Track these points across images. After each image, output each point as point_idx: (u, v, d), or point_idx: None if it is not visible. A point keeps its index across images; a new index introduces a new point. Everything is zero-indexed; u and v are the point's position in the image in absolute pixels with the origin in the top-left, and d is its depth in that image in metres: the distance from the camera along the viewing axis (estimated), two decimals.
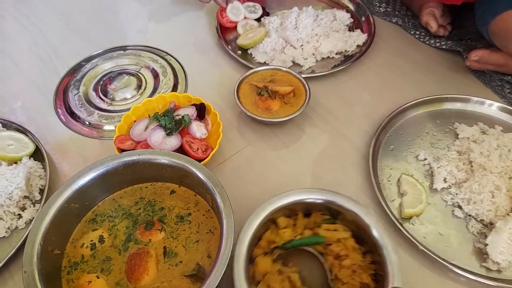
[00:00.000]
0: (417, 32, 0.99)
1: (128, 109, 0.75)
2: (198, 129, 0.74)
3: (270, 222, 0.59)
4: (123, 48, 0.96)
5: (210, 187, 0.56)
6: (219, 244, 0.51)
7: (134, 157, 0.60)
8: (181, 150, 0.69)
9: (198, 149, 0.70)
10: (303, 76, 0.85)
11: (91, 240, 0.56)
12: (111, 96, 0.85)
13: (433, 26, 0.94)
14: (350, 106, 0.85)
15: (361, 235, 0.58)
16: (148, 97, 0.85)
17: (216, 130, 0.74)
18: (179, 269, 0.54)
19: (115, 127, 0.72)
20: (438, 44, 0.95)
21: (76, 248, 0.56)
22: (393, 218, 0.65)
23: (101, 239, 0.56)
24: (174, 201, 0.62)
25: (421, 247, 0.62)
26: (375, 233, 0.56)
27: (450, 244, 0.65)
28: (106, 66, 0.91)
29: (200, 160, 0.68)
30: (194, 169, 0.58)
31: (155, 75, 0.89)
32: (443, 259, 0.61)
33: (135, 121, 0.74)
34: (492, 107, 0.81)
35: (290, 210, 0.60)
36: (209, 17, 1.07)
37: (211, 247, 0.56)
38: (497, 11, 0.74)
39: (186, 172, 0.60)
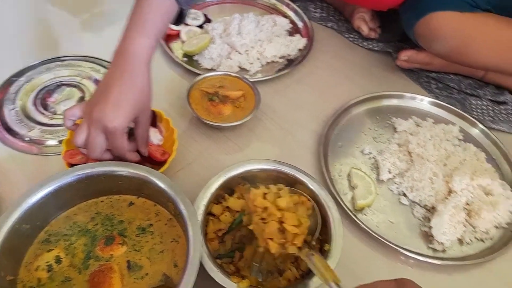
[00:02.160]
0: (351, 36, 1.06)
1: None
2: (154, 135, 0.72)
3: (208, 215, 0.61)
4: (60, 59, 0.90)
5: (172, 196, 0.55)
6: (186, 252, 0.50)
7: (88, 171, 0.57)
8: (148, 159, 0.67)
9: (156, 151, 0.69)
10: (252, 80, 0.87)
11: (47, 262, 0.52)
12: (52, 110, 0.80)
13: (364, 29, 1.01)
14: (297, 107, 0.89)
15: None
16: None
17: (170, 137, 0.73)
18: (146, 282, 0.53)
19: (60, 141, 0.68)
20: (370, 46, 1.03)
21: (30, 271, 0.52)
22: (348, 210, 0.69)
23: (58, 260, 0.53)
24: (134, 213, 0.60)
25: (375, 235, 0.67)
26: (309, 185, 0.62)
27: (400, 230, 0.70)
28: (44, 78, 0.85)
29: (159, 164, 0.67)
30: (153, 178, 0.57)
31: None
32: (395, 245, 0.66)
33: None
34: (423, 101, 0.89)
35: (216, 196, 0.62)
36: None
37: (177, 256, 0.55)
38: (420, 14, 0.82)
39: (145, 182, 0.58)
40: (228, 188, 0.65)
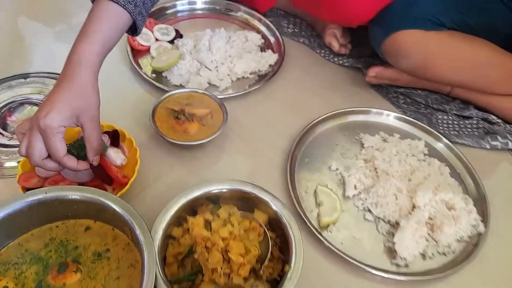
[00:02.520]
0: (322, 51, 1.07)
1: None
2: (116, 155, 0.71)
3: (168, 238, 0.60)
4: (24, 76, 0.89)
5: (128, 220, 0.54)
6: (140, 279, 0.49)
7: (40, 196, 0.55)
8: (101, 172, 0.66)
9: (117, 173, 0.68)
10: (220, 97, 0.87)
11: None
12: (12, 130, 0.78)
13: (335, 45, 1.02)
14: (266, 124, 0.89)
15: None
16: None
17: (133, 156, 0.72)
18: None
19: (18, 163, 0.66)
20: (341, 62, 1.04)
21: None
22: (312, 228, 0.69)
23: None
24: (90, 238, 0.58)
25: (339, 253, 0.67)
26: (272, 205, 0.61)
27: (364, 246, 0.70)
28: (4, 97, 0.83)
29: (120, 185, 0.65)
30: (109, 203, 0.56)
31: None
32: (359, 262, 0.66)
33: None
34: (389, 117, 0.90)
35: (178, 218, 0.61)
36: (121, 39, 1.03)
37: (134, 282, 0.54)
38: (387, 32, 0.84)
39: (101, 207, 0.57)
40: (191, 209, 0.64)
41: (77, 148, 0.67)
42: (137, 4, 0.65)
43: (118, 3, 0.62)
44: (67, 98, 0.57)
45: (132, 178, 0.67)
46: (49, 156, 0.58)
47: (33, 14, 1.09)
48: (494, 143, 0.87)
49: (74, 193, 0.56)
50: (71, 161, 0.59)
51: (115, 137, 0.73)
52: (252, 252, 0.50)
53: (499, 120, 0.91)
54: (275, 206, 0.62)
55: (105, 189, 0.67)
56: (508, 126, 0.90)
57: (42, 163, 0.57)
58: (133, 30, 0.69)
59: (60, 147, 0.57)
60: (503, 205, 0.78)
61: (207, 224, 0.55)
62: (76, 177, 0.66)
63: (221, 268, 0.49)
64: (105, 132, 0.73)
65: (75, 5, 1.12)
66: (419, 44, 0.82)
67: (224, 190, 0.63)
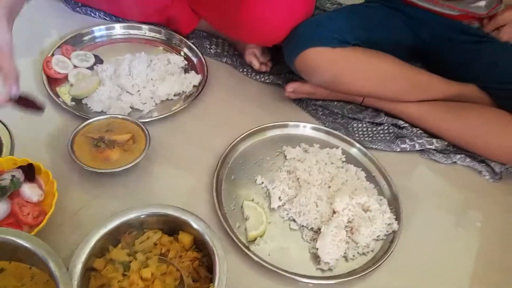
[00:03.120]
0: (245, 70, 1.11)
1: None
2: (32, 191, 0.69)
3: (89, 271, 0.59)
4: None
5: (42, 257, 0.53)
6: None
7: None
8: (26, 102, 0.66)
9: (29, 213, 0.65)
10: (144, 120, 0.87)
11: None
12: None
13: (256, 64, 1.06)
14: (193, 144, 0.90)
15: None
16: None
17: (51, 190, 0.69)
18: None
19: None
20: (263, 79, 1.08)
21: None
22: (239, 243, 0.71)
23: None
24: (4, 281, 0.56)
25: (266, 265, 0.69)
26: (195, 226, 0.63)
27: (291, 255, 0.74)
28: None
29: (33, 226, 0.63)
30: (21, 242, 0.54)
31: None
32: (287, 271, 0.69)
33: None
34: (306, 128, 0.96)
35: (100, 249, 0.61)
36: (35, 67, 1.00)
37: None
38: (297, 51, 0.89)
39: (14, 246, 0.54)
40: (113, 238, 0.63)
41: None
42: None
43: None
44: None
45: (49, 214, 0.65)
46: None
47: None
48: (403, 145, 0.95)
49: None
50: None
51: (30, 172, 0.70)
52: None
53: (406, 124, 1.00)
54: (198, 226, 0.63)
55: (20, 227, 0.64)
56: (415, 129, 0.99)
57: None
58: None
59: None
60: (413, 202, 0.86)
61: (125, 266, 0.56)
62: None
63: None
64: (19, 167, 0.70)
65: None
66: (327, 60, 0.88)
67: (144, 216, 0.63)
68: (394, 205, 0.83)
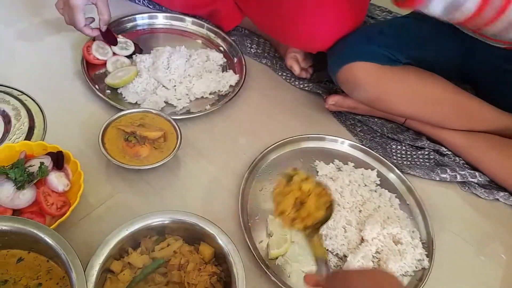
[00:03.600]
0: (284, 74, 1.07)
1: None
2: (59, 180, 0.68)
3: (105, 272, 0.58)
4: None
5: (62, 255, 0.51)
6: None
7: None
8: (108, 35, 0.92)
9: (53, 204, 0.64)
10: (177, 117, 0.85)
11: None
12: None
13: (296, 69, 1.02)
14: (222, 147, 0.88)
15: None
16: None
17: (77, 180, 0.68)
18: None
19: None
20: (301, 86, 1.04)
21: None
22: (259, 260, 0.68)
23: None
24: (21, 271, 0.55)
25: None
26: (218, 240, 0.61)
27: None
28: None
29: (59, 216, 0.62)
30: (43, 236, 0.53)
31: (7, 120, 0.79)
32: None
33: None
34: (344, 144, 0.91)
35: (120, 250, 0.60)
36: (75, 50, 0.99)
37: None
38: (342, 62, 0.85)
39: (34, 238, 0.53)
40: (134, 241, 0.61)
41: (15, 173, 0.64)
42: None
43: None
44: None
45: (72, 207, 0.64)
46: None
47: None
48: (443, 175, 0.89)
49: (4, 224, 0.53)
50: (88, 30, 0.90)
51: (59, 160, 0.69)
52: (320, 211, 0.56)
53: (449, 152, 0.93)
54: (221, 240, 0.61)
55: (43, 217, 0.64)
56: (457, 158, 0.93)
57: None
58: None
59: (81, 20, 0.87)
60: (448, 238, 0.80)
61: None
62: (12, 204, 0.62)
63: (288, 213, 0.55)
64: (49, 154, 0.69)
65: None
66: (371, 77, 0.83)
67: (167, 222, 0.61)
68: (427, 239, 0.78)
